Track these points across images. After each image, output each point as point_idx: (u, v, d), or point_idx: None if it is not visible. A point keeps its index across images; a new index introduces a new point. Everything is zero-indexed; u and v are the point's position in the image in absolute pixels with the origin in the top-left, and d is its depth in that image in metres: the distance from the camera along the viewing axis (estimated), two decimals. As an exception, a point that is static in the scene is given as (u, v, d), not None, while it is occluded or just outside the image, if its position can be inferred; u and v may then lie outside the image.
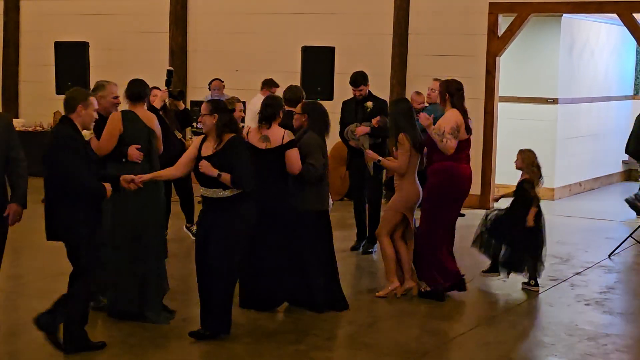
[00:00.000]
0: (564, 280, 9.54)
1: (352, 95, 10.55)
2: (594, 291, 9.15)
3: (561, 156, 14.99)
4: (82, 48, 14.43)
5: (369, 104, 10.29)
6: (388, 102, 10.84)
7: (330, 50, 13.47)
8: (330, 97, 12.47)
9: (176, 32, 15.84)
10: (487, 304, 8.70)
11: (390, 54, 14.36)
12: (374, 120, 10.02)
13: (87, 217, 6.67)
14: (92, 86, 13.93)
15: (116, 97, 7.86)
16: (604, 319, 8.22)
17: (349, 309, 8.10)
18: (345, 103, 10.72)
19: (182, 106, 10.31)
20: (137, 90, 7.88)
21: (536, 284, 9.04)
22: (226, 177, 6.92)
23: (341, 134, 10.35)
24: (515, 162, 9.39)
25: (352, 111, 10.44)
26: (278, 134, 7.77)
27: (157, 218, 7.76)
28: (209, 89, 14.47)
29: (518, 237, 9.04)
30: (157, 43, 15.93)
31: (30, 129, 15.89)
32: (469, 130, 8.62)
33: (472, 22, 13.91)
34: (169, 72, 10.72)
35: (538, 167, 9.23)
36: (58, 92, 13.29)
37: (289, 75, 14.16)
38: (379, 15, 14.49)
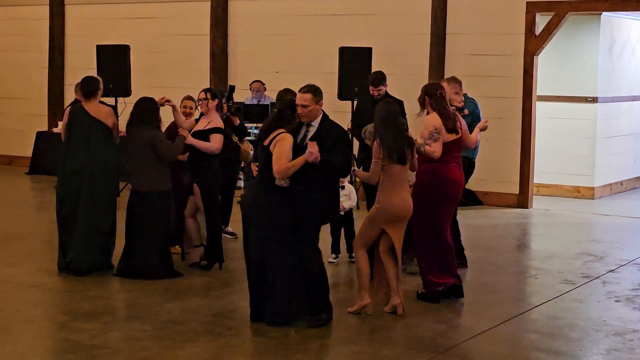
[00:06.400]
0: (596, 278, 9.53)
1: (375, 93, 10.44)
2: (626, 288, 9.13)
3: (601, 155, 14.93)
4: (123, 51, 14.71)
5: None
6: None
7: (368, 51, 13.57)
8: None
9: (217, 34, 16.04)
10: (516, 302, 8.71)
11: (428, 54, 14.41)
12: None
13: None
14: (132, 89, 14.28)
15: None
16: (633, 315, 8.20)
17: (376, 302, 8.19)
18: (361, 102, 10.70)
19: (237, 122, 10.52)
20: (88, 88, 9.36)
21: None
22: None
23: (351, 130, 10.26)
24: None
25: (369, 110, 10.22)
26: None
27: None
28: (250, 90, 14.66)
29: None
30: (197, 46, 16.15)
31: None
32: (453, 130, 8.38)
33: (509, 22, 13.92)
34: (231, 88, 10.93)
35: None
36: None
37: (327, 77, 14.30)
38: (416, 15, 14.55)
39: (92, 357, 6.80)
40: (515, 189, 13.97)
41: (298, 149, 7.45)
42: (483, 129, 9.13)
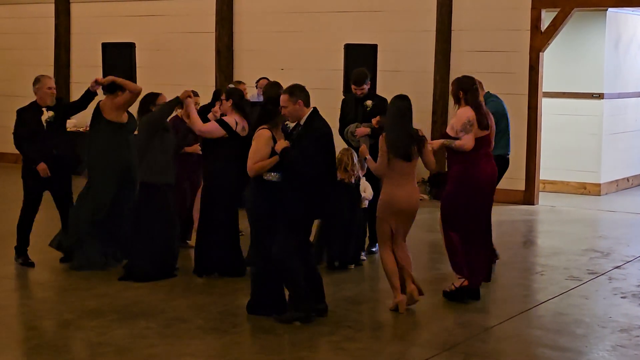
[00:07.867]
0: (602, 274, 9.52)
1: (359, 92, 10.13)
2: (632, 284, 9.12)
3: (607, 151, 14.90)
4: (128, 49, 14.74)
5: (369, 102, 10.02)
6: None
7: (373, 48, 13.56)
8: (372, 94, 12.51)
9: (222, 32, 16.04)
10: (522, 298, 8.70)
11: (433, 51, 14.39)
12: (373, 121, 9.75)
13: None
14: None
15: (50, 88, 9.76)
16: (639, 311, 8.18)
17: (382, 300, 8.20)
18: (345, 101, 10.51)
19: None
20: (110, 84, 9.62)
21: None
22: None
23: (341, 132, 10.07)
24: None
25: (353, 109, 10.19)
26: None
27: None
28: (256, 87, 14.66)
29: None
30: (203, 43, 16.16)
31: (81, 129, 16.19)
32: (485, 126, 8.29)
33: (515, 18, 13.90)
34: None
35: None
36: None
37: (332, 74, 14.33)
38: (421, 12, 14.54)
39: (98, 355, 6.82)
40: (521, 185, 13.95)
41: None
42: None
